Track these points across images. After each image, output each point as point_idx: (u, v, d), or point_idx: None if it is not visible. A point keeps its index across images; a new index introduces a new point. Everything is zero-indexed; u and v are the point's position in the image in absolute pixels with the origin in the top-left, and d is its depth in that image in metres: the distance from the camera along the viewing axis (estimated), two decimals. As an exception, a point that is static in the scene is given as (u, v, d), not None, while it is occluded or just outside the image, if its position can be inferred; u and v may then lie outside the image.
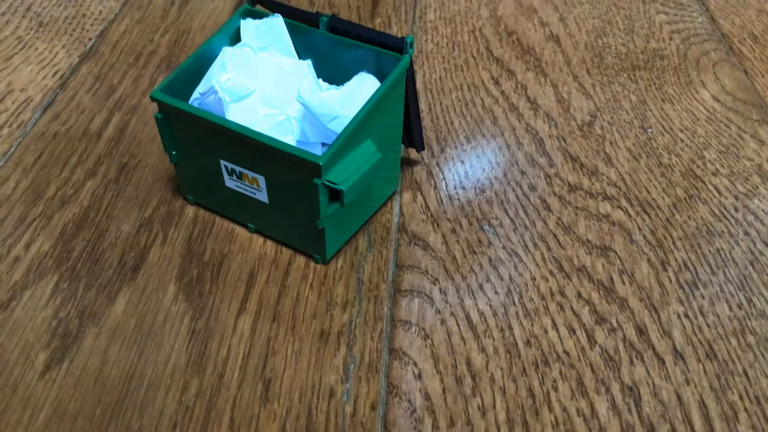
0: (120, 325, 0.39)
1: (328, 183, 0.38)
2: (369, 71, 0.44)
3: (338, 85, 0.46)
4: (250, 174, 0.41)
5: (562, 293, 0.42)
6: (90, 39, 0.63)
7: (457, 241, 0.45)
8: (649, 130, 0.54)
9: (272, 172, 0.40)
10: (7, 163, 0.50)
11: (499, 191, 0.48)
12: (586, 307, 0.41)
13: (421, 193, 0.48)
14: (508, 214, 0.47)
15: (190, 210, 0.46)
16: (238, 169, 0.41)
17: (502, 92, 0.57)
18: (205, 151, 0.42)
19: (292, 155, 0.38)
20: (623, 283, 0.42)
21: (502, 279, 0.42)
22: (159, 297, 0.41)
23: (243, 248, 0.44)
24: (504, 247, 0.44)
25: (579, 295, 0.42)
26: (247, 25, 0.45)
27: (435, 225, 0.46)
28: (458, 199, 0.48)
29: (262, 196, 0.42)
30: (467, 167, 0.50)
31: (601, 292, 0.42)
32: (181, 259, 0.43)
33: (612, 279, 0.43)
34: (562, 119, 0.54)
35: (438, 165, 0.50)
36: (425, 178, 0.49)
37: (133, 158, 0.50)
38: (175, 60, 0.60)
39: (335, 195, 0.39)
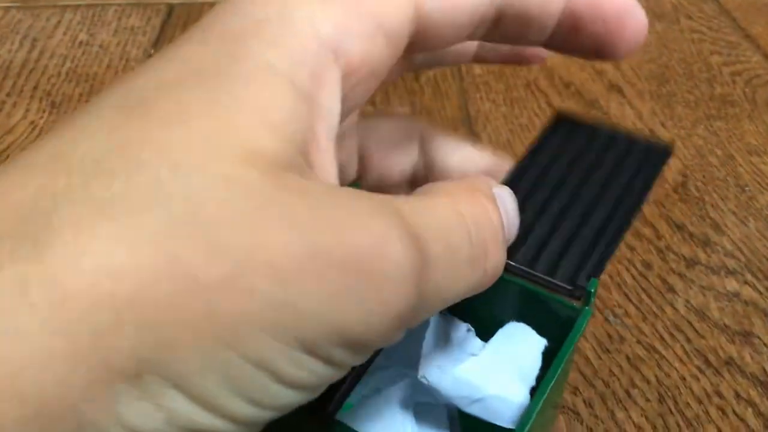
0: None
1: None
2: (517, 318, 0.28)
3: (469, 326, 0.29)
4: None
5: (719, 393, 0.37)
6: (114, 119, 0.56)
7: (585, 336, 0.40)
8: (747, 188, 0.50)
9: None
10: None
11: (612, 272, 0.44)
12: (749, 409, 0.36)
13: (528, 281, 0.43)
14: (631, 300, 0.42)
15: None
16: None
17: (579, 154, 0.53)
18: None
19: None
20: (777, 374, 0.38)
21: (648, 382, 0.38)
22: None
23: None
24: (639, 342, 0.40)
25: (737, 394, 0.37)
26: None
27: (554, 319, 0.41)
28: (570, 285, 0.43)
29: None
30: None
31: (759, 389, 0.37)
32: None
33: (765, 371, 0.38)
34: (652, 181, 0.50)
35: (535, 245, 0.46)
36: (526, 262, 0.44)
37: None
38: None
39: None
